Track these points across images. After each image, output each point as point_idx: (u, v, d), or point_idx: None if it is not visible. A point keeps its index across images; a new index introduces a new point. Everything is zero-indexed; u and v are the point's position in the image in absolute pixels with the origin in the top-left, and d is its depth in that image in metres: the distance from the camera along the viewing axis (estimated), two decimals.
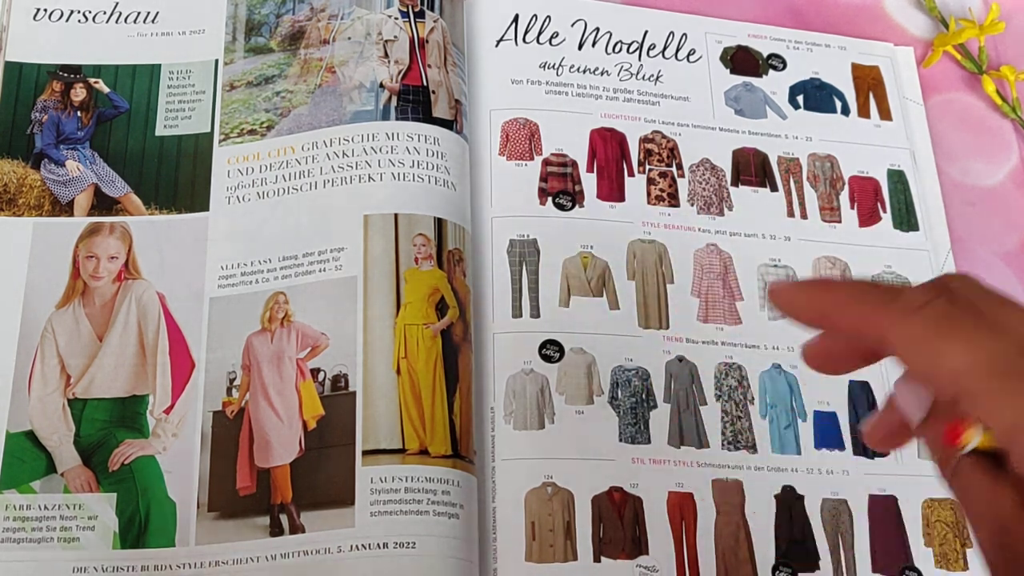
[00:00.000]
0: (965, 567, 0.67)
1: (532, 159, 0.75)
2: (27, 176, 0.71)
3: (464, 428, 0.64)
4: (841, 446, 0.70)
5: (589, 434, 0.67)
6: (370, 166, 0.70)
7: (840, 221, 0.77)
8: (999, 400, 0.35)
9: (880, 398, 0.71)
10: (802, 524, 0.67)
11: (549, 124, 0.76)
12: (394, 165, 0.70)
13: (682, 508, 0.66)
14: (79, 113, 0.73)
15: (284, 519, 0.62)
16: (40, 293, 0.67)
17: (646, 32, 0.82)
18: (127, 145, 0.73)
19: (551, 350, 0.69)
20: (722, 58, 0.82)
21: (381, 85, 0.73)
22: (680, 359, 0.70)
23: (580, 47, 0.80)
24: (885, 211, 0.78)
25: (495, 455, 0.66)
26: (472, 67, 0.77)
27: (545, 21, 0.80)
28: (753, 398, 0.70)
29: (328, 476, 0.63)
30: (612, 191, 0.75)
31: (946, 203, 0.79)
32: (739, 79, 0.81)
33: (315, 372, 0.66)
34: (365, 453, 0.63)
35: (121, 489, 0.63)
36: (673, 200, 0.76)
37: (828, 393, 0.71)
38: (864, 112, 0.82)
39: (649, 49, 0.81)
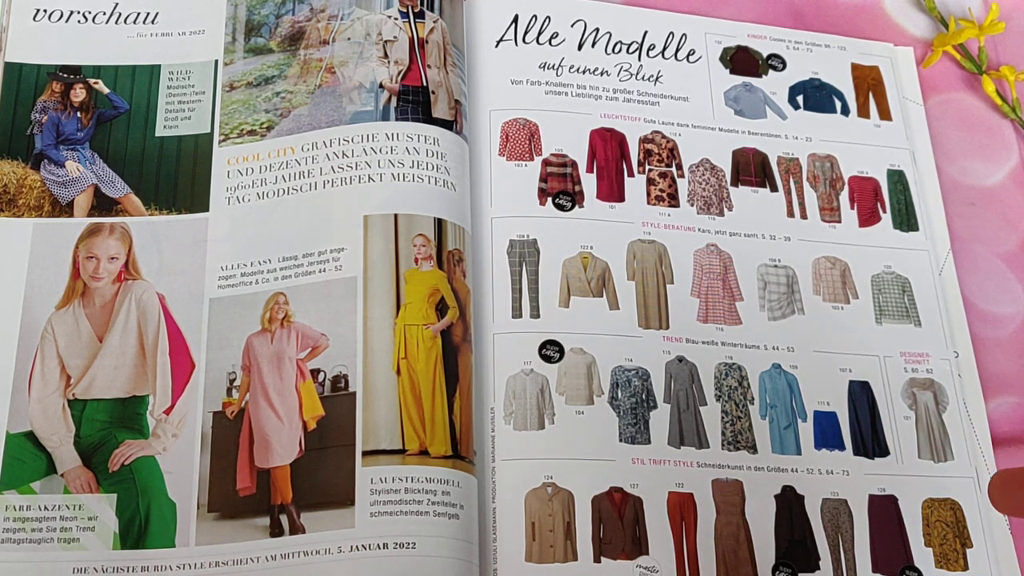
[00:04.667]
0: (965, 567, 0.67)
1: (532, 159, 0.75)
2: (27, 177, 0.71)
3: (464, 428, 0.64)
4: (841, 446, 0.70)
5: (589, 434, 0.67)
6: (370, 166, 0.70)
7: (840, 221, 0.77)
8: None
9: (880, 398, 0.71)
10: (802, 524, 0.67)
11: (549, 124, 0.76)
12: (394, 165, 0.70)
13: (682, 508, 0.66)
14: (79, 114, 0.74)
15: (284, 520, 0.62)
16: (40, 294, 0.67)
17: (646, 32, 0.82)
18: (127, 146, 0.73)
19: (551, 350, 0.69)
20: (722, 58, 0.82)
21: (381, 85, 0.73)
22: (680, 359, 0.70)
23: (580, 47, 0.80)
24: (885, 211, 0.78)
25: (495, 455, 0.66)
26: (472, 67, 0.77)
27: (545, 21, 0.80)
28: (753, 398, 0.70)
29: (328, 477, 0.63)
30: (612, 191, 0.75)
31: (946, 203, 0.79)
32: (739, 79, 0.81)
33: (315, 373, 0.66)
34: (365, 454, 0.63)
35: (121, 490, 0.63)
36: (673, 200, 0.76)
37: (828, 393, 0.71)
38: (864, 112, 0.82)
39: (649, 49, 0.81)
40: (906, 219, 0.78)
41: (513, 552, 0.63)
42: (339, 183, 0.70)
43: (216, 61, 0.76)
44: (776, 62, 0.83)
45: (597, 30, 0.81)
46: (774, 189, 0.77)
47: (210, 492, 0.63)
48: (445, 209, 0.70)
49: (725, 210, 0.76)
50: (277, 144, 0.72)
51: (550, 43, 0.80)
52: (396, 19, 0.76)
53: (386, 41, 0.75)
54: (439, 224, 0.69)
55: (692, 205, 0.76)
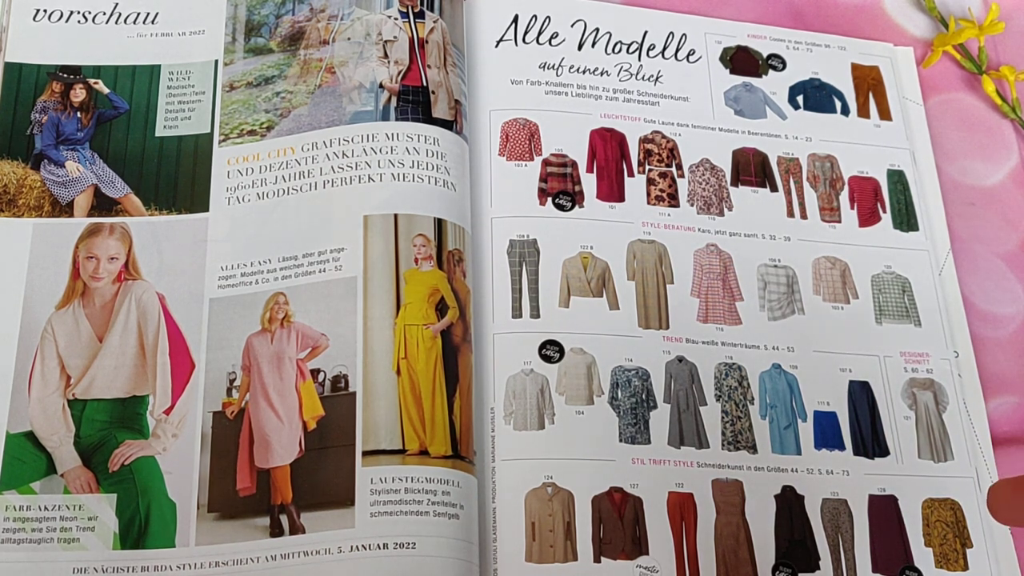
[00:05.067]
0: (965, 567, 0.67)
1: (532, 159, 0.75)
2: (27, 177, 0.71)
3: (464, 428, 0.64)
4: (841, 446, 0.70)
5: (589, 434, 0.67)
6: (370, 167, 0.70)
7: (840, 221, 0.77)
8: None
9: (880, 398, 0.71)
10: (802, 524, 0.67)
11: (549, 124, 0.76)
12: (394, 166, 0.70)
13: (682, 508, 0.66)
14: (79, 114, 0.74)
15: (284, 520, 0.62)
16: (40, 294, 0.67)
17: (646, 32, 0.82)
18: (127, 146, 0.73)
19: (551, 350, 0.69)
20: (722, 58, 0.82)
21: (381, 85, 0.73)
22: (680, 359, 0.70)
23: (580, 47, 0.80)
24: (885, 211, 0.78)
25: (495, 455, 0.66)
26: (472, 67, 0.77)
27: (545, 21, 0.80)
28: (753, 398, 0.70)
29: (328, 477, 0.63)
30: (612, 191, 0.75)
31: (946, 203, 0.79)
32: (739, 79, 0.81)
33: (315, 373, 0.66)
34: (365, 454, 0.63)
35: (121, 490, 0.63)
36: (673, 200, 0.76)
37: (828, 393, 0.71)
38: (864, 112, 0.82)
39: (649, 49, 0.81)
40: (906, 219, 0.78)
41: (513, 552, 0.63)
42: (339, 183, 0.70)
43: (216, 61, 0.76)
44: (776, 62, 0.83)
45: (597, 30, 0.81)
46: (774, 189, 0.77)
47: (210, 492, 0.63)
48: (445, 209, 0.70)
49: (725, 210, 0.76)
50: (277, 144, 0.72)
51: (550, 43, 0.80)
52: (396, 19, 0.76)
53: (386, 41, 0.75)
54: (439, 224, 0.69)
55: (692, 205, 0.76)
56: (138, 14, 0.77)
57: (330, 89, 0.74)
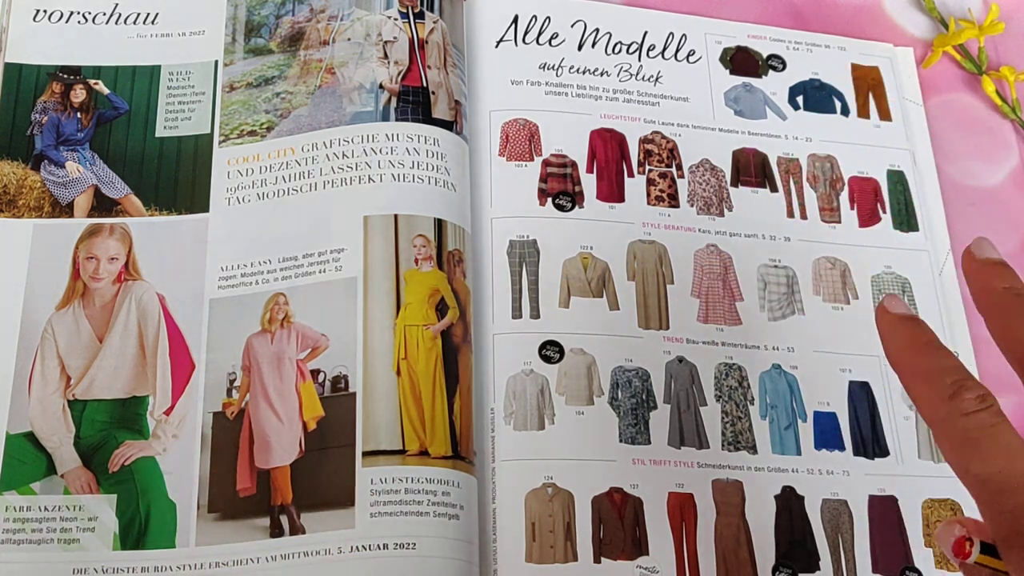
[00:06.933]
0: None
1: (532, 160, 0.75)
2: (27, 177, 0.71)
3: (464, 429, 0.64)
4: (841, 446, 0.70)
5: (589, 435, 0.67)
6: (370, 167, 0.70)
7: (840, 221, 0.77)
8: (995, 513, 0.40)
9: (880, 398, 0.71)
10: (802, 524, 0.67)
11: (549, 125, 0.76)
12: (394, 166, 0.70)
13: (682, 509, 0.66)
14: (79, 114, 0.74)
15: (284, 520, 0.62)
16: (40, 294, 0.67)
17: (646, 33, 0.82)
18: (127, 146, 0.73)
19: (551, 351, 0.69)
20: (722, 59, 0.82)
21: (381, 86, 0.73)
22: (680, 360, 0.70)
23: (580, 48, 0.80)
24: (885, 211, 0.78)
25: (495, 456, 0.66)
26: (472, 68, 0.77)
27: (545, 22, 0.80)
28: (753, 399, 0.70)
29: (328, 477, 0.63)
30: (612, 192, 0.75)
31: (946, 203, 0.79)
32: (739, 80, 0.81)
33: (315, 373, 0.66)
34: (365, 454, 0.63)
35: (121, 490, 0.63)
36: (673, 201, 0.76)
37: (828, 393, 0.71)
38: (864, 112, 0.82)
39: (649, 50, 0.81)
40: (906, 219, 0.78)
41: (513, 552, 0.63)
42: (339, 183, 0.70)
43: (216, 62, 0.76)
44: (776, 62, 0.83)
45: (597, 30, 0.81)
46: (774, 189, 0.77)
47: (210, 492, 0.63)
48: (445, 209, 0.70)
49: (725, 210, 0.76)
50: (277, 145, 0.72)
51: (550, 43, 0.80)
52: (396, 19, 0.76)
53: (386, 42, 0.75)
54: (439, 224, 0.69)
55: (692, 205, 0.76)
56: (138, 14, 0.77)
57: (330, 90, 0.74)
